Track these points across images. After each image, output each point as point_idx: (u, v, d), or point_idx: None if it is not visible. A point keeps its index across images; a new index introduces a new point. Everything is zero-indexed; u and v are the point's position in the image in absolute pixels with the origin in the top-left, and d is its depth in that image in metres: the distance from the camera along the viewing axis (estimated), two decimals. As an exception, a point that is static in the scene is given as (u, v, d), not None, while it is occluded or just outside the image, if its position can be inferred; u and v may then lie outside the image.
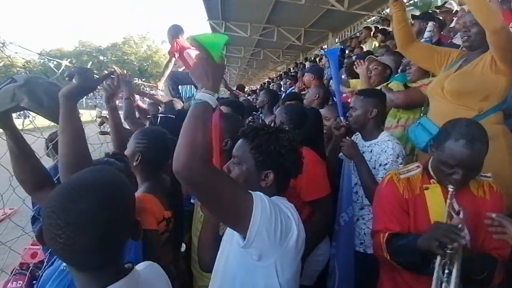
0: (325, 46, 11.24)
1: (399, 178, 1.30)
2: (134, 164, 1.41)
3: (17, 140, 1.13)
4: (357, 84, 2.98)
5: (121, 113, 1.86)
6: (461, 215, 1.07)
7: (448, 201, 1.12)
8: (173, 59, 3.45)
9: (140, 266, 0.79)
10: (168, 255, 1.44)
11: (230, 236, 1.04)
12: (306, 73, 4.06)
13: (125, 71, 2.34)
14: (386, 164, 1.66)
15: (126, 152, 1.47)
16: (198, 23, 14.48)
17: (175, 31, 3.27)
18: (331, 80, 4.03)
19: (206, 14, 9.60)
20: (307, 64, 7.77)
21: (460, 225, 1.01)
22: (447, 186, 1.15)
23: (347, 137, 1.79)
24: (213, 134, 1.11)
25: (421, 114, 2.11)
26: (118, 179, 0.69)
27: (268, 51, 14.20)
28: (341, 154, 1.83)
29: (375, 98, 1.81)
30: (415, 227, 1.21)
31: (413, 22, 4.08)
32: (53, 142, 2.11)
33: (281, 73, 12.64)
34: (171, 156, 0.83)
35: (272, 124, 1.09)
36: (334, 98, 2.72)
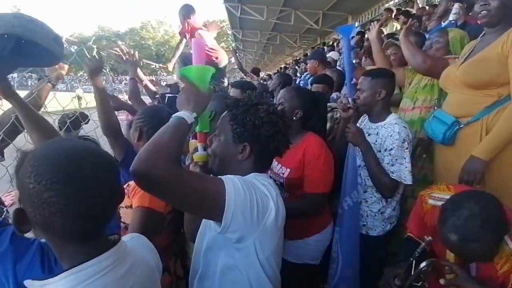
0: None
1: (426, 201, 1.33)
2: (136, 141, 1.43)
3: (25, 110, 1.13)
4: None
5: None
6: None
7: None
8: (184, 40, 3.39)
9: (125, 238, 0.78)
10: (171, 234, 1.45)
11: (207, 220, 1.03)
12: (308, 60, 3.91)
13: (132, 51, 2.32)
14: (391, 149, 1.59)
15: (131, 131, 1.49)
16: (214, 5, 14.21)
17: (187, 11, 3.20)
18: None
19: (222, -4, 9.44)
20: (325, 49, 7.53)
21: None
22: None
23: (351, 123, 1.71)
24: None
25: (435, 107, 2.01)
26: (98, 149, 0.68)
27: (285, 35, 13.90)
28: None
29: (384, 78, 1.72)
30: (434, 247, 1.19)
31: (439, 1, 3.84)
32: (66, 126, 2.13)
33: (297, 58, 12.36)
34: None
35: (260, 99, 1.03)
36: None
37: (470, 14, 3.76)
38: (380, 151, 1.64)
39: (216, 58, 3.32)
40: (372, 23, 2.39)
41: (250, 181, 0.93)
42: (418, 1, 6.23)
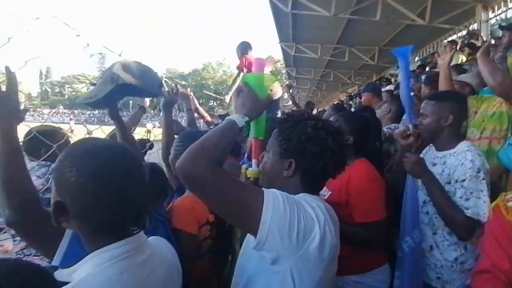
0: (402, 65, 10.50)
1: (506, 205, 1.04)
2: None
3: (123, 129, 1.43)
4: None
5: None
6: None
7: None
8: (241, 74, 3.58)
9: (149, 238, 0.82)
10: (208, 265, 1.37)
11: (248, 236, 0.98)
12: (362, 93, 3.82)
13: (185, 85, 2.60)
14: (464, 180, 1.38)
15: (169, 158, 1.56)
16: (270, 46, 15.02)
17: (244, 47, 3.42)
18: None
19: (278, 37, 9.92)
20: (382, 84, 7.32)
21: None
22: None
23: (410, 152, 1.54)
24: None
25: (509, 133, 1.79)
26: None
27: (339, 72, 13.91)
28: None
29: (451, 102, 1.54)
30: None
31: (502, 33, 3.57)
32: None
33: (352, 94, 12.19)
34: None
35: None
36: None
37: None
38: (449, 183, 1.44)
39: (271, 90, 3.43)
40: (445, 47, 2.18)
41: (295, 200, 0.86)
42: (482, 34, 5.85)
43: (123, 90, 1.31)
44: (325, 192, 1.51)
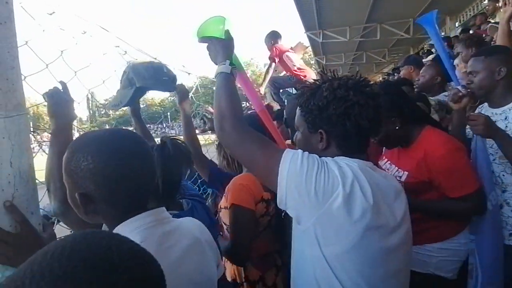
0: (443, 33, 9.80)
1: None
2: (226, 166, 1.60)
3: (142, 128, 1.56)
4: None
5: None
6: None
7: None
8: (273, 64, 3.59)
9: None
10: (268, 242, 1.41)
11: None
12: (402, 68, 3.59)
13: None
14: None
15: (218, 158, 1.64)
16: (296, 35, 14.86)
17: (273, 37, 3.43)
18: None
19: (303, 26, 9.76)
20: (423, 56, 6.88)
21: None
22: None
23: (475, 113, 1.44)
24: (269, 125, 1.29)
25: None
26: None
27: (372, 52, 13.35)
28: (469, 131, 1.50)
29: (500, 54, 1.47)
30: None
31: None
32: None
33: (387, 72, 11.62)
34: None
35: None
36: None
37: None
38: None
39: (304, 76, 3.42)
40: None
41: (319, 159, 0.84)
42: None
43: (141, 89, 1.46)
44: (400, 173, 1.45)
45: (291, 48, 3.59)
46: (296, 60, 3.49)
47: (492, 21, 5.21)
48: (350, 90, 0.87)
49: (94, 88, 1.64)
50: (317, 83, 0.94)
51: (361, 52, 13.46)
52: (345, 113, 0.87)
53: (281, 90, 3.70)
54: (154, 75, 1.44)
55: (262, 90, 3.68)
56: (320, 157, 0.86)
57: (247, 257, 1.32)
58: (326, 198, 0.79)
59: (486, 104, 1.60)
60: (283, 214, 1.41)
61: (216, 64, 1.01)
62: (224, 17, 1.08)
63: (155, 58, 1.83)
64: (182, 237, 0.76)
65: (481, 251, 1.41)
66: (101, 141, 0.69)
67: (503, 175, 1.44)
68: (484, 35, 4.46)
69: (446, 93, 2.47)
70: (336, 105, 0.87)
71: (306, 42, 11.26)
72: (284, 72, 3.78)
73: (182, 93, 1.73)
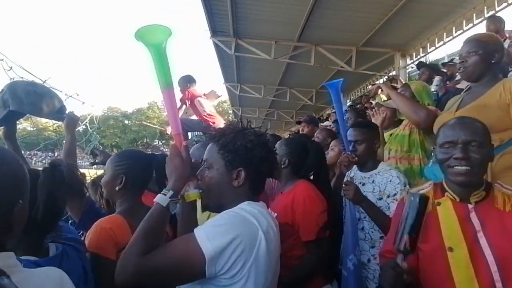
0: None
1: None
2: (117, 188, 1.33)
3: (16, 150, 1.41)
4: None
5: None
6: (479, 235, 0.98)
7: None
8: (184, 107, 3.62)
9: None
10: None
11: None
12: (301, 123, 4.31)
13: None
14: (395, 194, 1.56)
15: (103, 179, 1.39)
16: (215, 84, 15.51)
17: (187, 81, 3.50)
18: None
19: (223, 77, 10.31)
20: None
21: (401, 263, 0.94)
22: (465, 200, 1.06)
23: (349, 181, 1.67)
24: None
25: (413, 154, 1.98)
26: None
27: (282, 111, 14.73)
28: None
29: (375, 129, 1.84)
30: (427, 245, 1.07)
31: (421, 70, 4.22)
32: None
33: (294, 131, 12.90)
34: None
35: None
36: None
37: (448, 83, 4.10)
38: (381, 199, 1.60)
39: (213, 123, 3.53)
40: (374, 110, 2.43)
41: (236, 217, 0.90)
42: (401, 78, 6.82)
43: (16, 112, 1.37)
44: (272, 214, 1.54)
45: (204, 94, 3.71)
46: (207, 106, 3.60)
47: (373, 102, 6.42)
48: (268, 140, 1.05)
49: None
50: (237, 127, 1.03)
51: (273, 110, 14.74)
52: (265, 156, 1.01)
53: (189, 133, 3.71)
54: (35, 101, 1.35)
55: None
56: (231, 194, 0.98)
57: None
58: (252, 248, 0.88)
59: (356, 168, 1.87)
60: None
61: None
62: (171, 30, 1.00)
63: (44, 81, 1.71)
64: None
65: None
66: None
67: (372, 232, 1.63)
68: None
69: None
70: (260, 148, 1.00)
71: (225, 92, 11.84)
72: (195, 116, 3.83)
73: (70, 119, 1.68)
